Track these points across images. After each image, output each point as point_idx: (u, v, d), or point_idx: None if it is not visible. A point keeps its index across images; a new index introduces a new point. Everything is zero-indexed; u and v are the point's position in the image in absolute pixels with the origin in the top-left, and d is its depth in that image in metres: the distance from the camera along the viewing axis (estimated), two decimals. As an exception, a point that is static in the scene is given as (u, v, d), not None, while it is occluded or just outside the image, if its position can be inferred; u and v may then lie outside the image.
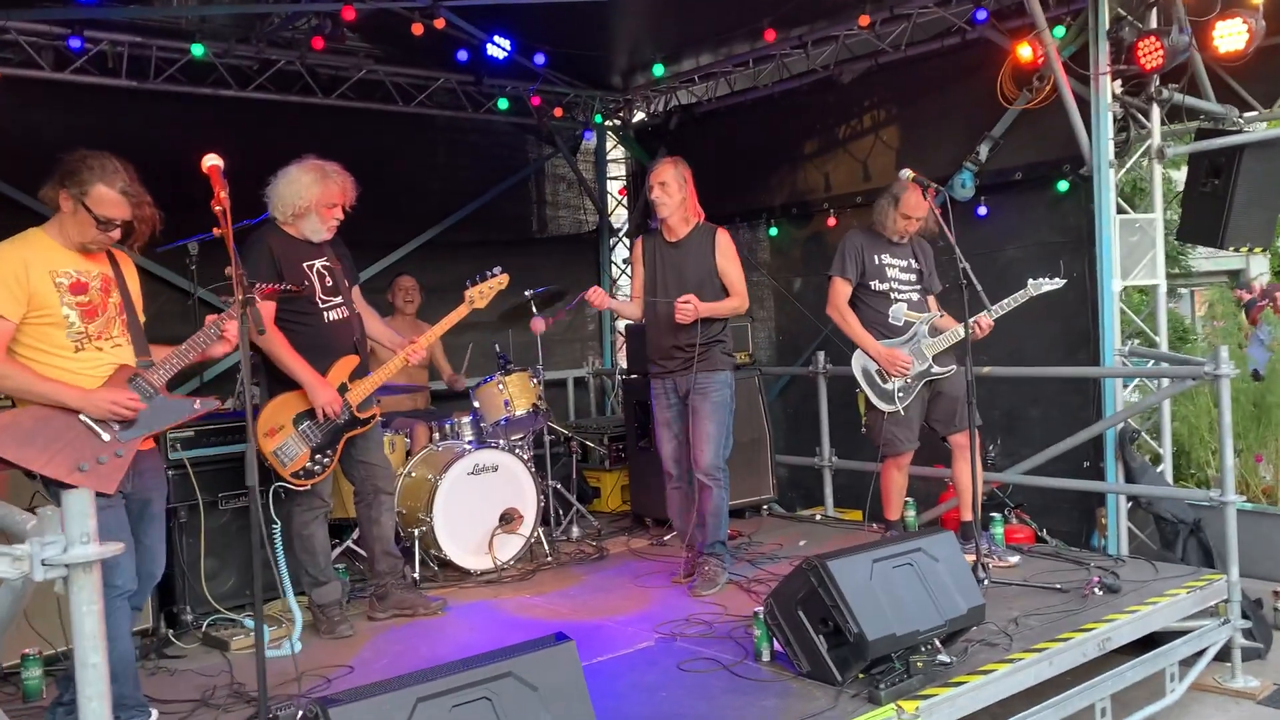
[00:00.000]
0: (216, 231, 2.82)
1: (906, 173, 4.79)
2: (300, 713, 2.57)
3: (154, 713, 3.59)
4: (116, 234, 3.38)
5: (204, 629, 4.66)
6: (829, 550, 3.87)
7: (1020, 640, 4.07)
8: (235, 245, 3.10)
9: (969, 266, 4.60)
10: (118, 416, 3.33)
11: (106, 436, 3.32)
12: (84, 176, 3.29)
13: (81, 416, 3.28)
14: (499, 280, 4.79)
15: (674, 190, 4.96)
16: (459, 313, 4.76)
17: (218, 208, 2.85)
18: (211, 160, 2.96)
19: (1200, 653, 4.70)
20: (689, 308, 4.81)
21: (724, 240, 5.05)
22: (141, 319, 3.62)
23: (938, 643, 3.79)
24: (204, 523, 4.77)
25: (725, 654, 4.07)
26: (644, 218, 5.23)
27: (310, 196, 4.41)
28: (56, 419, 3.25)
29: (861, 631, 3.52)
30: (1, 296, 3.24)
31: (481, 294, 4.77)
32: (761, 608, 3.96)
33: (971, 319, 4.85)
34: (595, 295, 4.99)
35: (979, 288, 4.61)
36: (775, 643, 3.92)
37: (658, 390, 5.17)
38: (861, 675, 3.64)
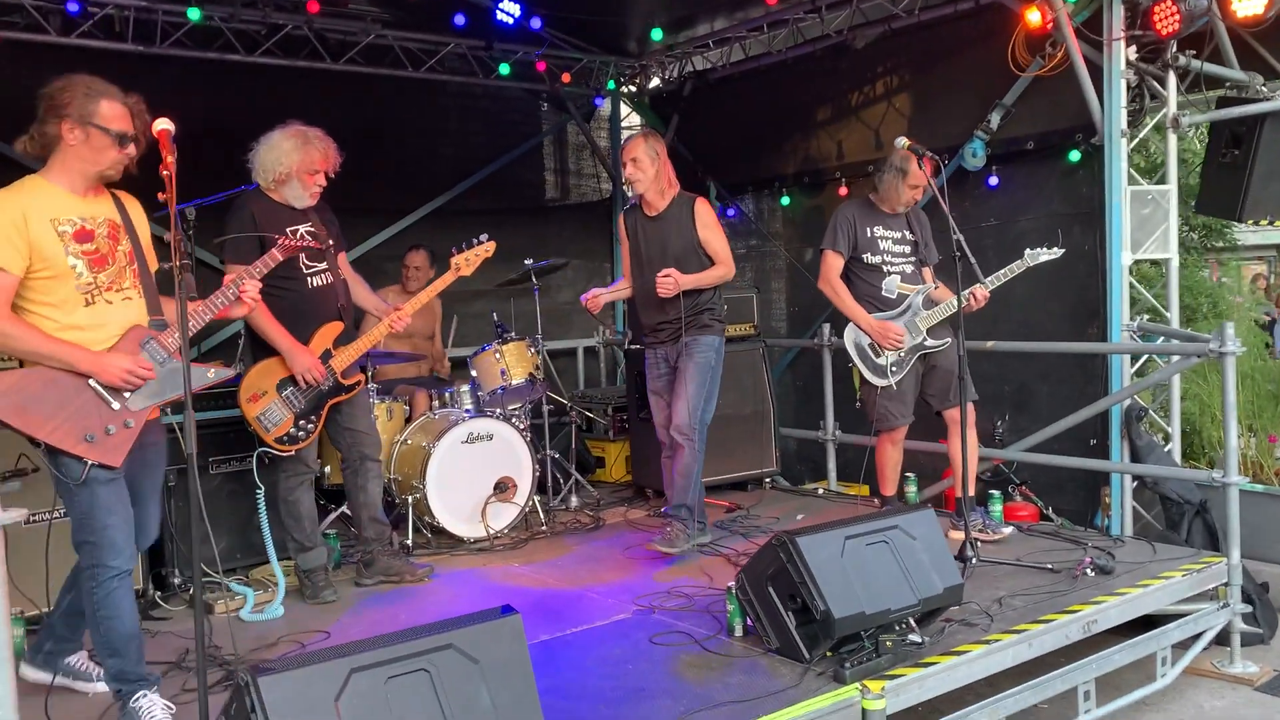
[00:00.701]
0: (161, 197, 2.77)
1: (902, 140, 4.67)
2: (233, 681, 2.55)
3: (158, 682, 3.45)
4: (133, 149, 3.22)
5: (190, 591, 4.70)
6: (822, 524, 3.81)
7: (1001, 621, 3.99)
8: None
9: (963, 239, 4.49)
10: (130, 385, 3.18)
11: (116, 405, 3.18)
12: (83, 98, 3.14)
13: (91, 382, 3.14)
14: (485, 248, 4.75)
15: (646, 165, 4.96)
16: (445, 279, 4.74)
17: (164, 172, 2.80)
18: (162, 124, 2.92)
19: (1196, 637, 4.59)
20: (669, 281, 4.85)
21: (703, 209, 5.05)
22: (154, 267, 3.42)
23: (912, 622, 3.73)
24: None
25: (700, 628, 4.04)
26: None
27: (291, 162, 4.40)
28: (64, 383, 3.09)
29: (828, 609, 3.46)
30: (1, 248, 3.05)
31: (468, 261, 4.73)
32: (734, 583, 3.91)
33: (966, 290, 4.75)
34: (589, 301, 5.15)
35: (973, 260, 4.50)
36: (748, 618, 3.88)
37: (650, 360, 5.23)
38: (830, 653, 3.59)
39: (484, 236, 4.76)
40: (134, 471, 3.34)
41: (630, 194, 5.19)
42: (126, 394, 3.20)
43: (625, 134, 8.88)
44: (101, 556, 3.19)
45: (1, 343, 3.11)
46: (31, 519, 3.95)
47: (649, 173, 4.98)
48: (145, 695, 3.30)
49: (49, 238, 3.08)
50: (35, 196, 3.11)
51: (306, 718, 2.45)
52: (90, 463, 3.11)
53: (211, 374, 3.45)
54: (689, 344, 5.00)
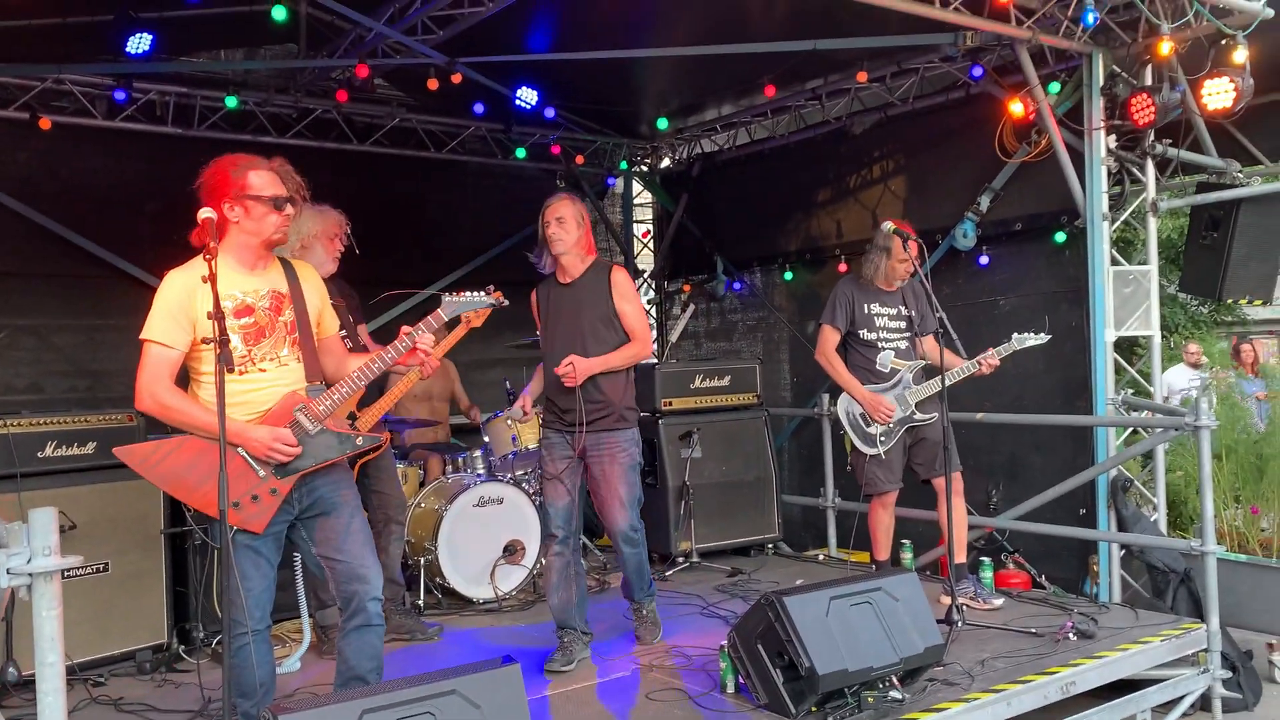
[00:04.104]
0: (204, 279, 3.06)
1: (888, 225, 4.97)
2: None
3: None
4: (290, 209, 3.38)
5: (213, 646, 4.93)
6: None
7: (982, 681, 4.17)
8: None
9: (945, 316, 4.77)
10: (274, 459, 3.28)
11: (262, 473, 3.29)
12: (234, 176, 3.30)
13: (240, 450, 3.26)
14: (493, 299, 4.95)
15: (571, 227, 4.57)
16: (457, 334, 4.94)
17: (207, 256, 3.08)
18: (205, 213, 3.21)
19: (1177, 700, 4.75)
20: (569, 369, 4.44)
21: (621, 278, 4.66)
22: (327, 333, 3.59)
23: (894, 680, 3.92)
24: (214, 544, 5.03)
25: (695, 685, 4.24)
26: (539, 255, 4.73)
27: (313, 228, 4.69)
28: (214, 453, 3.10)
29: (813, 665, 3.67)
30: (165, 325, 3.23)
31: (478, 314, 4.92)
32: (726, 641, 4.13)
33: (977, 358, 5.03)
34: (523, 409, 4.95)
35: (954, 337, 4.77)
36: (740, 676, 4.08)
37: (552, 440, 4.70)
38: (815, 709, 3.79)
39: (490, 288, 4.93)
40: (314, 513, 3.43)
41: (541, 263, 4.70)
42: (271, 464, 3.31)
43: (637, 211, 9.32)
44: (235, 614, 3.30)
45: (163, 414, 3.27)
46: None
47: (573, 235, 4.56)
48: None
49: (207, 311, 3.14)
50: (203, 273, 3.12)
51: (321, 754, 2.69)
52: (233, 529, 3.20)
53: (360, 441, 3.51)
54: (607, 444, 4.57)
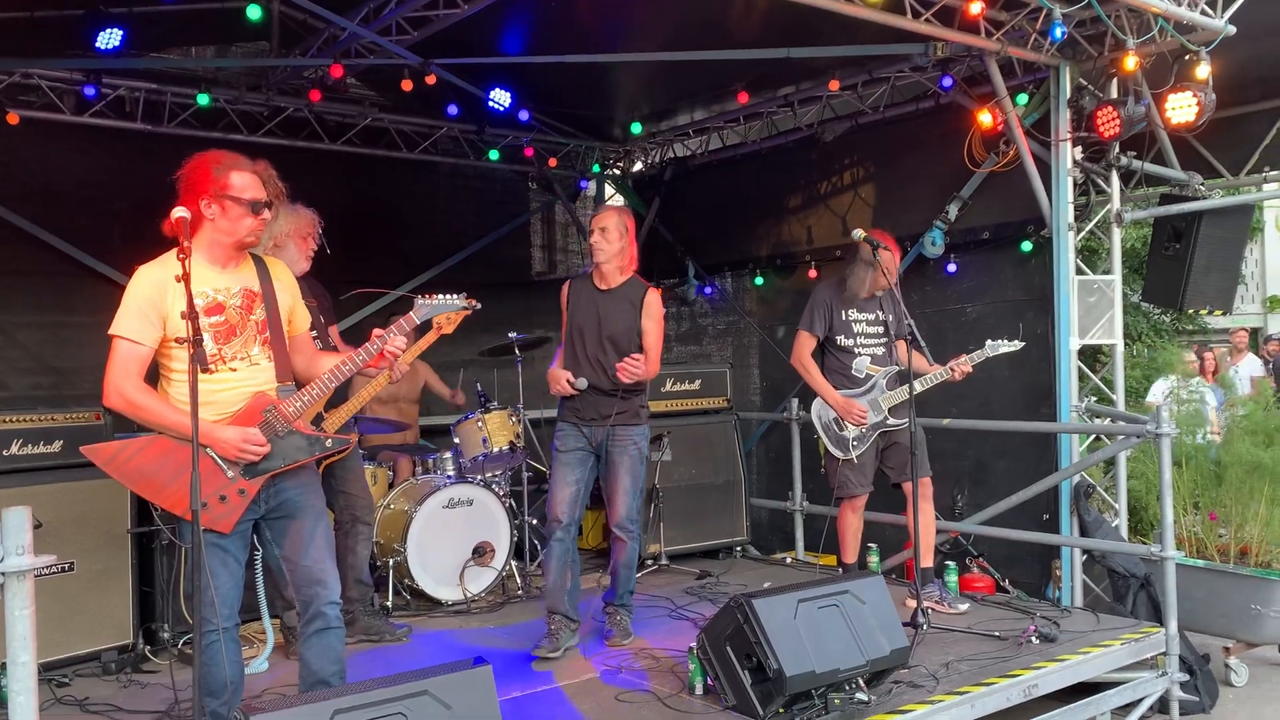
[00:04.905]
0: (177, 279, 3.04)
1: (859, 232, 5.02)
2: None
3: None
4: (267, 214, 3.37)
5: (179, 646, 4.90)
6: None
7: (946, 683, 4.23)
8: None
9: (914, 323, 4.83)
10: (242, 459, 3.28)
11: (230, 473, 3.28)
12: (215, 175, 3.28)
13: (208, 450, 3.23)
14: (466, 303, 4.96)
15: (614, 237, 4.83)
16: (428, 339, 4.95)
17: (181, 256, 3.06)
18: (179, 212, 3.18)
19: (1135, 703, 4.84)
20: (638, 369, 4.69)
21: (653, 299, 4.91)
22: (297, 331, 3.57)
23: (860, 682, 3.97)
24: (180, 543, 5.00)
25: (663, 687, 4.27)
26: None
27: (286, 226, 4.68)
28: (183, 451, 3.15)
29: (781, 667, 3.71)
30: (135, 321, 3.20)
31: (449, 319, 4.95)
32: (695, 643, 4.16)
33: (951, 363, 5.09)
34: (558, 384, 4.84)
35: (923, 344, 4.84)
36: (709, 677, 4.11)
37: (565, 430, 4.92)
38: (782, 710, 3.83)
39: (463, 294, 4.95)
40: (278, 515, 3.42)
41: (585, 266, 4.96)
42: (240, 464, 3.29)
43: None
44: (204, 612, 3.25)
45: (132, 412, 3.23)
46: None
47: (614, 246, 4.83)
48: None
49: (179, 310, 3.14)
50: (175, 270, 3.10)
51: (292, 755, 2.69)
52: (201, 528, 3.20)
53: (329, 443, 3.51)
54: (621, 437, 4.84)
